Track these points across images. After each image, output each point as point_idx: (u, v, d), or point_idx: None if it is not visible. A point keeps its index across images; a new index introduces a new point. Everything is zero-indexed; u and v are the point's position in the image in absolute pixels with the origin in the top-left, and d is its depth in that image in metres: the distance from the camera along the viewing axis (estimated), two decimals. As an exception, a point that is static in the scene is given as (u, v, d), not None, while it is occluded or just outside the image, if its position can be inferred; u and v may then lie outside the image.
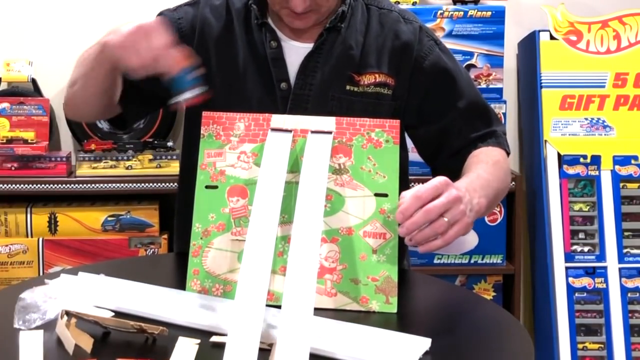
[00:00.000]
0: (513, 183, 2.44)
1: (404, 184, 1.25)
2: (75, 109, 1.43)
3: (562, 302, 2.47)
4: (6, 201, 2.41)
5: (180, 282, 1.17)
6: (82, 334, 0.95)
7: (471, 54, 2.51)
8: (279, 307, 0.97)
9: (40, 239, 2.37)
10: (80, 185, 2.37)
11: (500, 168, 1.34)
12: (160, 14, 1.43)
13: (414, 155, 1.49)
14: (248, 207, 1.17)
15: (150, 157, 2.43)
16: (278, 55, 1.36)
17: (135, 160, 2.41)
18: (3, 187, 2.34)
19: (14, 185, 2.35)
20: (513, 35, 2.69)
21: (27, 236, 2.39)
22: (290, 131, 1.18)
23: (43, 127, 2.47)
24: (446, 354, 0.98)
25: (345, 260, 1.14)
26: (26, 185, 2.35)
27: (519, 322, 1.21)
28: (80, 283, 1.15)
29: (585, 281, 2.47)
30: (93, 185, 2.36)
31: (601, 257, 2.48)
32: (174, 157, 2.43)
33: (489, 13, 2.49)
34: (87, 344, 0.94)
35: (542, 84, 2.55)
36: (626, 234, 2.51)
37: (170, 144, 2.47)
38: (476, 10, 2.49)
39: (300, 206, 1.08)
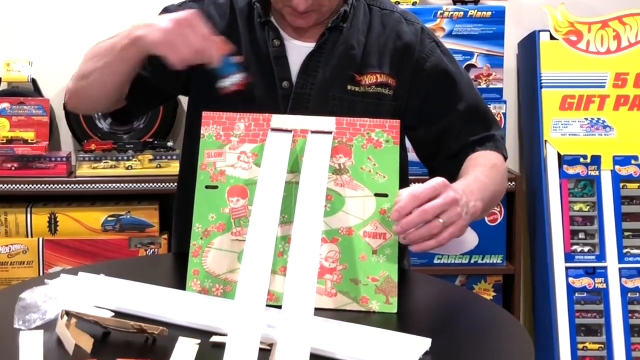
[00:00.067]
0: (513, 183, 2.45)
1: (404, 184, 1.25)
2: (83, 101, 1.41)
3: (562, 302, 2.47)
4: (6, 201, 2.41)
5: (180, 282, 1.17)
6: (82, 334, 0.95)
7: (471, 54, 2.51)
8: (279, 307, 0.97)
9: (40, 239, 2.37)
10: (80, 185, 2.37)
11: (498, 172, 1.35)
12: (165, 8, 1.43)
13: (414, 155, 1.49)
14: (248, 207, 1.17)
15: (150, 157, 2.43)
16: (280, 54, 1.37)
17: (135, 160, 2.42)
18: (3, 187, 2.34)
19: (14, 185, 2.35)
20: (513, 35, 2.69)
21: (27, 236, 2.39)
22: (290, 131, 1.18)
23: (43, 127, 2.48)
24: (446, 354, 0.98)
25: (345, 260, 1.14)
26: (26, 185, 2.35)
27: (519, 322, 1.21)
28: (80, 283, 1.15)
29: (585, 281, 2.47)
30: (93, 185, 2.36)
31: (601, 257, 2.48)
32: (174, 157, 2.43)
33: (489, 13, 2.49)
34: (87, 344, 0.94)
35: (542, 84, 2.55)
36: (626, 234, 2.51)
37: (170, 144, 2.47)
38: (476, 10, 2.49)
39: (300, 206, 1.08)
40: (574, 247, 2.50)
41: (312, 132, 1.18)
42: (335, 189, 1.16)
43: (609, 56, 2.57)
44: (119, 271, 1.22)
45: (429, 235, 1.10)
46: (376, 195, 1.16)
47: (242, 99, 1.29)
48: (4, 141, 2.40)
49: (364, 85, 1.37)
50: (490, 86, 2.52)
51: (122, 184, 2.37)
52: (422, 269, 2.40)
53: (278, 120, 1.20)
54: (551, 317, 2.47)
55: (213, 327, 1.01)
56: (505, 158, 1.42)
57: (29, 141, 2.40)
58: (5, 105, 2.47)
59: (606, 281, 2.47)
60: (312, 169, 1.12)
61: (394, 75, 1.38)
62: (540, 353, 2.53)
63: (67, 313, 0.99)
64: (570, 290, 2.47)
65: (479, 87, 2.49)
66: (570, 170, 2.51)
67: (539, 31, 2.57)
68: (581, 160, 2.50)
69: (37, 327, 1.00)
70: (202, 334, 0.99)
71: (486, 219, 2.48)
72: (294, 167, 1.17)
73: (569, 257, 2.48)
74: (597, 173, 2.51)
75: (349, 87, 1.37)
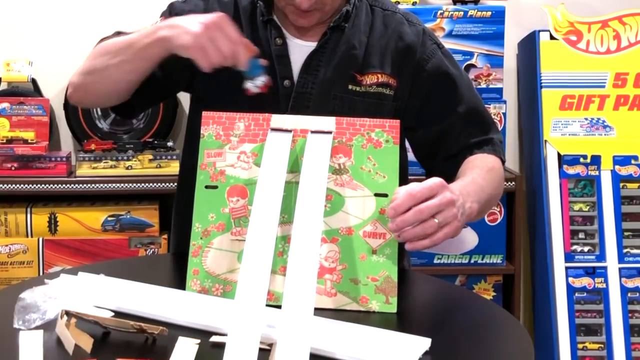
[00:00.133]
0: (513, 183, 2.45)
1: (404, 184, 1.25)
2: (91, 96, 1.40)
3: (562, 302, 2.47)
4: (6, 201, 2.41)
5: (180, 282, 1.17)
6: (82, 334, 0.95)
7: (471, 54, 2.51)
8: (279, 307, 0.97)
9: (40, 239, 2.37)
10: (80, 185, 2.37)
11: (495, 175, 1.35)
12: (170, 4, 1.44)
13: (413, 155, 1.49)
14: (248, 207, 1.17)
15: (150, 157, 2.43)
16: (283, 53, 1.37)
17: (135, 160, 2.41)
18: (3, 187, 2.34)
19: (14, 185, 2.35)
20: (513, 35, 2.69)
21: (27, 236, 2.39)
22: (290, 131, 1.18)
23: (43, 127, 2.47)
24: (446, 354, 0.98)
25: (345, 260, 1.14)
26: (26, 185, 2.35)
27: (519, 322, 1.21)
28: (80, 283, 1.15)
29: (585, 281, 2.47)
30: (93, 185, 2.36)
31: (601, 257, 2.48)
32: (174, 157, 2.43)
33: (489, 13, 2.49)
34: (87, 344, 0.94)
35: (542, 84, 2.55)
36: (626, 234, 2.51)
37: (170, 144, 2.47)
38: (476, 10, 2.49)
39: (300, 206, 1.08)
40: (574, 247, 2.50)
41: (312, 132, 1.18)
42: (335, 189, 1.16)
43: (609, 56, 2.57)
44: (119, 271, 1.22)
45: (423, 235, 1.10)
46: (376, 195, 1.16)
47: (244, 98, 1.29)
48: (4, 141, 2.40)
49: (365, 85, 1.38)
50: (490, 86, 2.52)
51: (122, 184, 2.37)
52: (422, 269, 2.40)
53: (278, 120, 1.20)
54: (551, 317, 2.47)
55: (213, 327, 1.02)
56: (503, 162, 1.43)
57: (29, 141, 2.40)
58: (5, 105, 2.47)
59: (606, 281, 2.47)
60: (312, 169, 1.12)
61: (395, 75, 1.39)
62: (540, 353, 2.53)
63: (67, 313, 0.99)
64: (570, 290, 2.47)
65: (478, 87, 2.49)
66: (570, 170, 2.51)
67: (539, 31, 2.57)
68: (581, 160, 2.50)
69: (37, 327, 1.00)
70: (202, 334, 0.99)
71: (486, 218, 2.48)
72: (294, 167, 1.17)
73: (569, 257, 2.48)
74: (597, 173, 2.51)
75: (350, 86, 1.37)
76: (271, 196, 1.09)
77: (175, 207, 1.53)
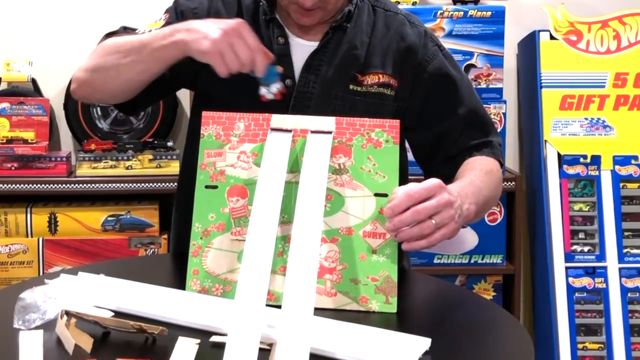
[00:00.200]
0: (513, 183, 2.45)
1: (404, 184, 1.25)
2: (98, 92, 1.39)
3: (562, 302, 2.47)
4: (6, 201, 2.41)
5: (180, 282, 1.17)
6: (82, 334, 0.95)
7: (471, 54, 2.51)
8: (279, 307, 0.97)
9: (40, 239, 2.37)
10: (80, 185, 2.37)
11: (493, 177, 1.35)
12: (175, 1, 1.43)
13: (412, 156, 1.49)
14: (248, 207, 1.17)
15: (150, 157, 2.43)
16: (285, 52, 1.37)
17: (135, 160, 2.41)
18: (3, 187, 2.34)
19: (14, 185, 2.35)
20: (513, 35, 2.69)
21: (27, 236, 2.39)
22: (290, 131, 1.18)
23: (43, 127, 2.47)
24: (446, 354, 0.98)
25: (345, 260, 1.14)
26: (26, 185, 2.35)
27: (519, 322, 1.21)
28: (80, 283, 1.15)
29: (585, 281, 2.47)
30: (93, 185, 2.36)
31: (601, 257, 2.48)
32: (174, 157, 2.43)
33: (489, 13, 2.49)
34: (87, 344, 0.94)
35: (542, 84, 2.55)
36: (626, 234, 2.51)
37: (170, 144, 2.47)
38: (476, 10, 2.49)
39: (300, 206, 1.08)
40: (574, 247, 2.50)
41: (312, 132, 1.18)
42: (335, 189, 1.16)
43: (609, 56, 2.57)
44: (119, 271, 1.22)
45: (420, 235, 1.10)
46: (376, 195, 1.16)
47: (245, 97, 1.29)
48: (4, 141, 2.40)
49: (366, 85, 1.38)
50: (490, 86, 2.52)
51: (122, 184, 2.37)
52: (422, 269, 2.40)
53: (278, 120, 1.20)
54: (551, 317, 2.47)
55: (213, 327, 1.02)
56: (502, 165, 1.43)
57: (29, 141, 2.40)
58: (5, 105, 2.47)
59: (606, 281, 2.47)
60: (312, 169, 1.12)
61: (396, 76, 1.39)
62: (540, 353, 2.53)
63: (67, 313, 0.99)
64: (570, 290, 2.47)
65: (478, 87, 2.49)
66: (570, 170, 2.51)
67: (539, 31, 2.57)
68: (581, 160, 2.50)
69: (37, 327, 1.00)
70: (202, 334, 0.99)
71: (486, 218, 2.48)
72: (294, 167, 1.17)
73: (569, 257, 2.48)
74: (597, 173, 2.51)
75: (351, 86, 1.38)
76: (271, 196, 1.09)
77: (176, 206, 1.53)
